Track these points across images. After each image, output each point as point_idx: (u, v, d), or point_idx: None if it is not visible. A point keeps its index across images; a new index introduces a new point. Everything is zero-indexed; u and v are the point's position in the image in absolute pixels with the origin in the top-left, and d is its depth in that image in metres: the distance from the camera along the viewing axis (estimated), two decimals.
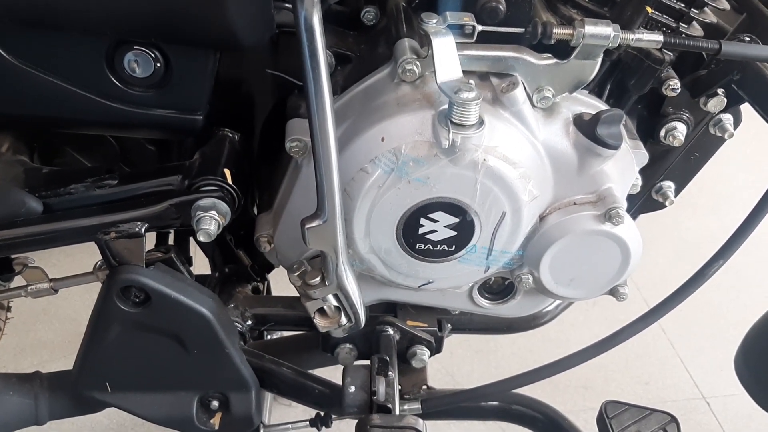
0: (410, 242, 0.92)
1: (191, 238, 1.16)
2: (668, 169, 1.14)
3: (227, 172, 0.95)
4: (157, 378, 0.99)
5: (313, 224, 0.84)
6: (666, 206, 1.16)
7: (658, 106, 1.06)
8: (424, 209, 0.89)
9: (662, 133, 1.06)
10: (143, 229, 0.90)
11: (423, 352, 1.10)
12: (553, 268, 0.96)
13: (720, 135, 1.09)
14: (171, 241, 1.17)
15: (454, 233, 0.91)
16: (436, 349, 1.12)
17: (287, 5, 0.94)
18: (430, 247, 0.93)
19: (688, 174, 1.16)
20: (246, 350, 1.06)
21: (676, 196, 1.16)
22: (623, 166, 0.96)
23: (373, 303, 1.07)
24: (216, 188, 0.93)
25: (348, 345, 1.10)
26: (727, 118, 1.08)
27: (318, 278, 0.91)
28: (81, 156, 1.07)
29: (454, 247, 0.93)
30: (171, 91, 0.92)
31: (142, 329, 0.94)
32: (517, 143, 0.89)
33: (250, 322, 1.12)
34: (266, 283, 1.27)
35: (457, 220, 0.90)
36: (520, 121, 0.90)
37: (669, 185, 1.14)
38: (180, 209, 0.94)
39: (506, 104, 0.89)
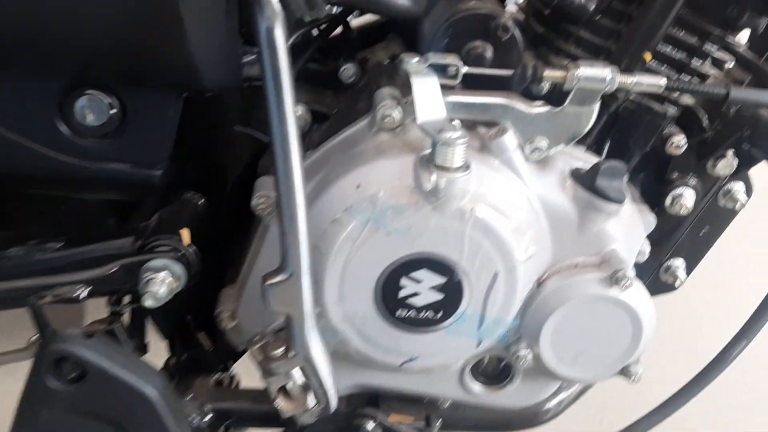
0: (390, 307, 0.81)
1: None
2: (676, 245, 1.04)
3: (185, 231, 0.85)
4: None
5: (276, 279, 0.73)
6: (676, 288, 1.05)
7: (662, 173, 0.98)
8: (406, 267, 0.78)
9: (668, 201, 0.97)
10: (84, 294, 0.79)
11: None
12: (555, 342, 0.84)
13: (731, 207, 1.00)
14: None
15: (440, 296, 0.80)
16: None
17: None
18: (413, 314, 0.81)
19: (699, 251, 1.06)
20: None
21: (687, 276, 1.05)
22: (628, 227, 0.86)
23: (349, 391, 0.93)
24: (170, 248, 0.83)
25: None
26: (738, 187, 0.99)
27: (281, 349, 0.78)
28: (31, 223, 0.97)
29: (440, 313, 0.81)
30: (127, 141, 0.84)
31: (75, 412, 0.79)
32: (509, 193, 0.80)
33: (209, 417, 0.97)
34: (234, 379, 1.13)
35: (443, 280, 0.79)
36: (511, 170, 0.81)
37: (678, 264, 1.04)
38: (129, 272, 0.82)
39: (495, 151, 0.81)
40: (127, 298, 0.97)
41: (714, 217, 1.03)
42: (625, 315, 0.83)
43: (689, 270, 1.06)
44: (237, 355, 1.05)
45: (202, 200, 0.94)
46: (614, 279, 0.81)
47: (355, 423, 0.94)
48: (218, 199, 0.96)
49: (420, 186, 0.75)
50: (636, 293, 0.83)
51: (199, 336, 1.00)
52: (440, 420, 1.00)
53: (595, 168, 0.81)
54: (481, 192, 0.77)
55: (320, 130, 0.92)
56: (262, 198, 0.83)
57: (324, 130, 0.91)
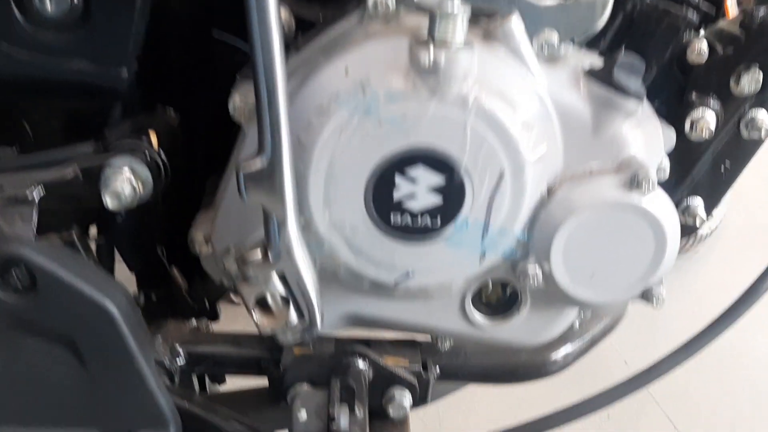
0: (382, 212, 0.71)
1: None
2: (695, 180, 0.95)
3: (152, 133, 0.76)
4: (41, 405, 0.73)
5: (252, 166, 0.64)
6: (697, 228, 0.96)
7: (680, 99, 0.90)
8: (400, 163, 0.70)
9: (687, 125, 0.89)
10: (36, 196, 0.70)
11: (403, 394, 0.85)
12: (567, 258, 0.75)
13: (755, 137, 0.91)
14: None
15: (439, 199, 0.71)
16: (420, 396, 0.87)
17: None
18: (409, 220, 0.72)
19: (719, 188, 0.96)
20: (170, 389, 0.81)
21: (708, 216, 0.96)
22: (647, 133, 0.77)
23: (337, 324, 0.84)
24: (134, 149, 0.74)
25: (305, 385, 0.84)
26: (762, 115, 0.91)
27: (259, 252, 0.68)
28: None
29: (439, 219, 0.72)
30: (90, 34, 0.75)
31: (23, 328, 0.70)
32: (516, 84, 0.71)
33: (181, 361, 0.87)
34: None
35: (442, 180, 0.70)
36: (518, 59, 0.72)
37: (698, 203, 0.95)
38: (88, 175, 0.73)
39: (500, 38, 0.72)
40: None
41: (736, 150, 0.94)
42: (647, 225, 0.74)
43: (709, 210, 0.97)
44: (215, 298, 0.96)
45: (176, 114, 0.85)
46: (634, 182, 0.72)
47: (344, 361, 0.84)
48: (194, 116, 0.87)
49: (417, 66, 0.67)
50: (658, 200, 0.74)
51: (172, 271, 0.90)
52: (438, 367, 0.90)
53: (612, 60, 0.73)
54: (486, 79, 0.69)
55: (306, 37, 0.84)
56: (239, 98, 0.74)
57: (309, 35, 0.83)
